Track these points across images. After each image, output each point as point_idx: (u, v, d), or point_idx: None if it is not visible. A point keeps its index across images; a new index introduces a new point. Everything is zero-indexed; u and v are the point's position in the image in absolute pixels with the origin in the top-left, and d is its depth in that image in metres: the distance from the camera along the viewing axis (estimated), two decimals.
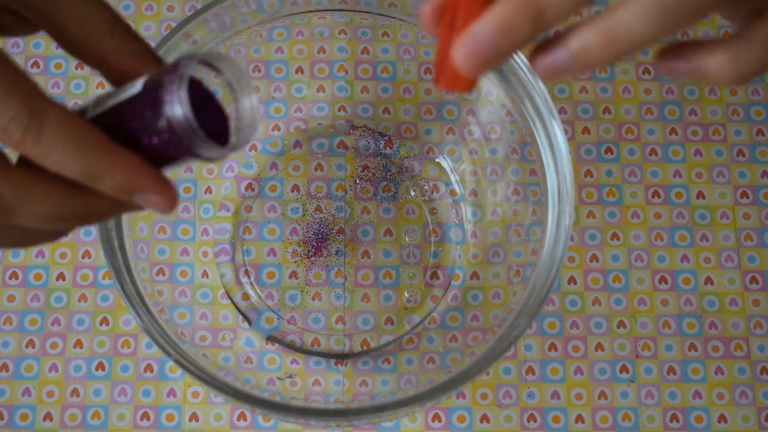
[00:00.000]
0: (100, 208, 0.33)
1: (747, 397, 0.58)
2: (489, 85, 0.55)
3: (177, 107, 0.31)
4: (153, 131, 0.32)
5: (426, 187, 0.62)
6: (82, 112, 0.34)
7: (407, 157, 0.62)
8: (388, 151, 0.62)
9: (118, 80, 0.35)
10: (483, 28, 0.29)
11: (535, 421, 0.57)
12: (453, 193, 0.62)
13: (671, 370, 0.58)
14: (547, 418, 0.57)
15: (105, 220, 0.34)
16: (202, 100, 0.33)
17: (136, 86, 0.32)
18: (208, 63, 0.33)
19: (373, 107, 0.63)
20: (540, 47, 0.32)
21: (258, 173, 0.62)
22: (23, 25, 0.35)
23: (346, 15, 0.55)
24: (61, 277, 0.59)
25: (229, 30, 0.52)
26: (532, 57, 0.32)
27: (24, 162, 0.33)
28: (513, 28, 0.29)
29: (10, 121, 0.30)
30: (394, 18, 0.54)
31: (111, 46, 0.35)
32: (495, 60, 0.30)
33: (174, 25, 0.49)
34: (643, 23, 0.30)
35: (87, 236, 0.60)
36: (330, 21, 0.63)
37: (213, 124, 0.33)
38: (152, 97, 0.32)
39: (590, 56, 0.31)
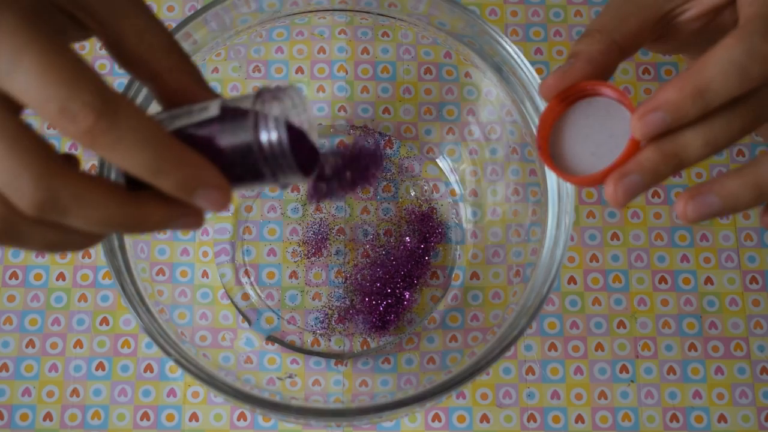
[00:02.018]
0: (151, 217, 0.33)
1: (747, 397, 0.58)
2: (489, 85, 0.55)
3: (274, 133, 0.32)
4: (234, 153, 0.33)
5: (426, 187, 0.62)
6: None
7: (407, 157, 0.62)
8: (388, 151, 0.62)
9: (170, 98, 0.35)
10: (636, 174, 0.36)
11: (535, 421, 0.57)
12: (453, 193, 0.62)
13: (671, 370, 0.58)
14: (547, 418, 0.57)
15: (151, 231, 0.33)
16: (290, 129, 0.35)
17: (212, 110, 0.33)
18: (279, 97, 0.35)
19: (373, 107, 0.63)
20: (690, 195, 0.37)
21: None
22: (80, 31, 0.35)
23: (346, 15, 0.55)
24: (61, 277, 0.59)
25: (229, 30, 0.52)
26: (682, 202, 0.37)
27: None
28: (657, 172, 0.36)
29: (82, 106, 0.29)
30: (394, 18, 0.54)
31: (168, 63, 0.35)
32: (637, 194, 0.36)
33: (174, 25, 0.49)
34: None
35: None
36: (330, 21, 0.63)
37: (300, 154, 0.35)
38: (239, 121, 0.33)
39: (739, 205, 0.37)
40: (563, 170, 0.38)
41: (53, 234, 0.33)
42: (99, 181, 0.32)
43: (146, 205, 0.33)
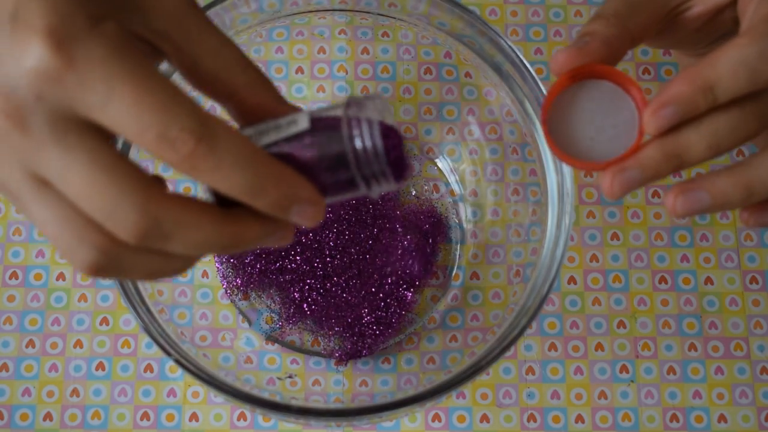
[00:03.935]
0: (247, 235, 0.32)
1: (747, 397, 0.58)
2: (489, 85, 0.55)
3: (368, 140, 0.32)
4: (328, 165, 0.33)
5: (426, 187, 0.62)
6: None
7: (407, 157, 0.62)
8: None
9: (249, 116, 0.35)
10: (636, 170, 0.36)
11: (535, 421, 0.57)
12: (453, 193, 0.62)
13: (671, 370, 0.58)
14: (547, 418, 0.57)
15: (246, 249, 0.33)
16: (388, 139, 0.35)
17: (301, 123, 0.33)
18: (365, 105, 0.34)
19: None
20: (680, 189, 0.36)
21: None
22: (155, 57, 0.34)
23: (346, 15, 0.55)
24: (61, 277, 0.59)
25: (229, 30, 0.52)
26: (672, 196, 0.37)
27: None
28: (658, 171, 0.36)
29: (180, 131, 0.29)
30: (394, 18, 0.54)
31: (244, 79, 0.34)
32: (633, 189, 0.36)
33: None
34: None
35: None
36: (330, 21, 0.63)
37: (394, 160, 0.35)
38: (331, 131, 0.33)
39: (728, 203, 0.36)
40: (560, 148, 0.37)
41: (155, 261, 0.32)
42: (196, 204, 0.31)
43: (241, 223, 0.32)
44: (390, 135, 0.34)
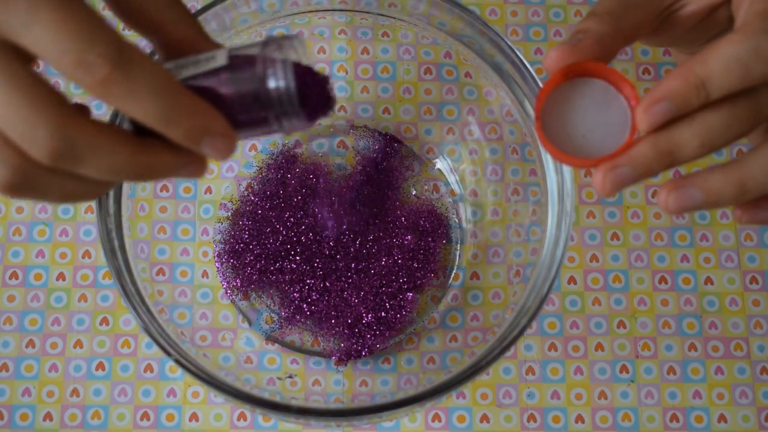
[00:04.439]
0: (159, 164, 0.34)
1: (747, 397, 0.58)
2: (489, 85, 0.55)
3: (284, 80, 0.33)
4: (241, 101, 0.34)
5: (426, 187, 0.62)
6: None
7: (407, 157, 0.62)
8: (388, 150, 0.62)
9: (173, 50, 0.36)
10: (628, 167, 0.36)
11: (535, 421, 0.57)
12: (453, 193, 0.62)
13: (671, 370, 0.58)
14: (547, 418, 0.57)
15: (158, 178, 0.34)
16: (302, 77, 0.35)
17: (219, 59, 0.34)
18: (283, 45, 0.35)
19: (373, 107, 0.63)
20: (673, 186, 0.36)
21: (258, 173, 0.62)
22: None
23: (346, 15, 0.55)
24: (61, 277, 0.59)
25: (229, 30, 0.52)
26: (665, 192, 0.37)
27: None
28: (650, 168, 0.36)
29: (97, 57, 0.30)
30: (394, 18, 0.54)
31: (170, 15, 0.35)
32: (625, 186, 0.36)
33: None
34: None
35: (87, 236, 0.60)
36: (330, 21, 0.63)
37: (308, 101, 0.35)
38: (247, 69, 0.34)
39: (720, 201, 0.36)
40: (552, 145, 0.37)
41: (69, 183, 0.33)
42: (112, 129, 0.32)
43: (155, 152, 0.33)
44: (305, 74, 0.35)
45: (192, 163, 0.35)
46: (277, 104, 0.34)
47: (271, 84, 0.34)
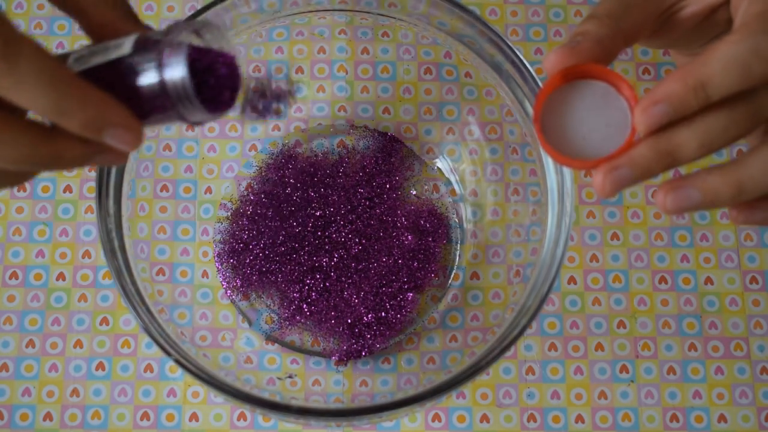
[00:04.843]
0: (68, 154, 0.33)
1: (747, 397, 0.58)
2: (489, 85, 0.55)
3: (176, 71, 0.32)
4: (144, 91, 0.33)
5: (426, 187, 0.62)
6: None
7: (407, 157, 0.62)
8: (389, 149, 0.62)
9: (97, 33, 0.35)
10: (627, 168, 0.36)
11: (535, 421, 0.57)
12: (453, 193, 0.62)
13: (671, 370, 0.58)
14: (547, 418, 0.57)
15: (71, 167, 0.34)
16: (205, 65, 0.34)
17: (125, 47, 0.33)
18: (197, 30, 0.34)
19: (373, 107, 0.63)
20: (671, 186, 0.36)
21: (258, 173, 0.62)
22: None
23: (346, 15, 0.55)
24: (61, 277, 0.59)
25: (228, 30, 0.52)
26: (662, 192, 0.36)
27: None
28: (650, 169, 0.36)
29: None
30: (394, 18, 0.54)
31: None
32: (625, 187, 0.36)
33: None
34: None
35: (87, 236, 0.60)
36: (330, 21, 0.63)
37: (212, 91, 0.34)
38: (146, 58, 0.33)
39: (718, 201, 0.36)
40: (551, 147, 0.37)
41: None
42: (16, 122, 0.32)
43: (62, 143, 0.33)
44: (212, 63, 0.34)
45: (104, 152, 0.34)
46: (174, 96, 0.33)
47: (167, 74, 0.32)
